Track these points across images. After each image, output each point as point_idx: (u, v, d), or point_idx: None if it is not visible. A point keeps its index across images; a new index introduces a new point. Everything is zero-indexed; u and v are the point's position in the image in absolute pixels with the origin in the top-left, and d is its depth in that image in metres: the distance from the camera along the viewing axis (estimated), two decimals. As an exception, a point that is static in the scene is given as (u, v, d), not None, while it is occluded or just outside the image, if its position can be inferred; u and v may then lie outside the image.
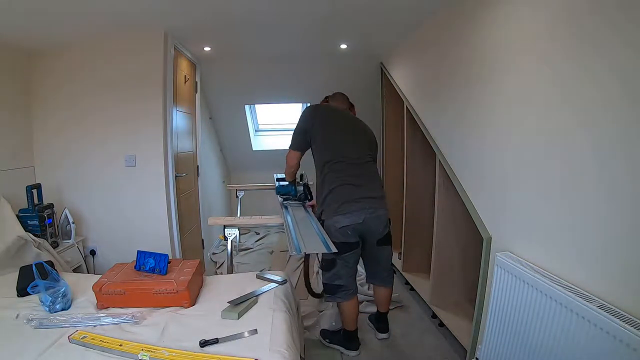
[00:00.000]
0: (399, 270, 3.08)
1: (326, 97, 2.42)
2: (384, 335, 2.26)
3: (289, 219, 2.11)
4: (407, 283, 2.94)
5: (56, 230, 2.36)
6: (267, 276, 1.86)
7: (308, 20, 2.39)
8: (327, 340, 2.21)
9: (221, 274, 3.14)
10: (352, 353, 2.10)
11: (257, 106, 4.47)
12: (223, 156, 4.70)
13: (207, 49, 2.95)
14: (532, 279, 1.31)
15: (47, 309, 1.54)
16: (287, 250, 3.70)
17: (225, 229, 2.23)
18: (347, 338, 2.12)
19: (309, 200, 2.38)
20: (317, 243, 1.73)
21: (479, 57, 1.76)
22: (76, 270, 2.38)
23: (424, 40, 2.44)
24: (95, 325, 1.43)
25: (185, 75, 3.02)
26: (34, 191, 2.27)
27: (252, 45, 2.92)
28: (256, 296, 1.65)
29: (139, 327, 1.44)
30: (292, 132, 2.16)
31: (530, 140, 1.43)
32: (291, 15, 2.27)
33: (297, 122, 2.13)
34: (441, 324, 2.31)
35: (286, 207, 2.36)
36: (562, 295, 1.17)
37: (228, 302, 1.56)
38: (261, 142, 4.72)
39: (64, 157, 2.56)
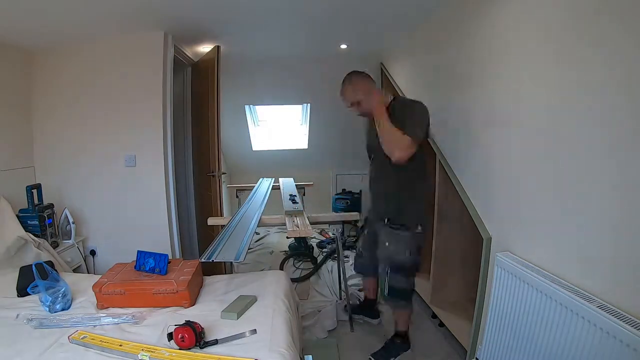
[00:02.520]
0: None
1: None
2: (376, 321, 2.41)
3: (233, 221, 2.15)
4: (407, 283, 2.93)
5: (56, 230, 2.36)
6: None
7: (308, 21, 2.39)
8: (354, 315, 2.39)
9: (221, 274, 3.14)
10: (375, 321, 2.38)
11: (257, 106, 4.47)
12: (223, 156, 4.70)
13: (207, 49, 2.95)
14: (533, 279, 1.31)
15: (47, 309, 1.54)
16: (287, 251, 3.75)
17: (225, 229, 2.23)
18: (370, 306, 2.39)
19: None
20: (232, 252, 1.69)
21: (479, 56, 1.75)
22: (76, 270, 2.38)
23: (424, 40, 2.44)
24: (95, 325, 1.44)
25: (185, 75, 3.02)
26: (34, 191, 2.27)
27: (252, 46, 2.91)
28: (255, 296, 1.65)
29: (139, 327, 1.44)
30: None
31: (530, 140, 1.43)
32: (291, 15, 2.27)
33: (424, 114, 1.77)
34: (441, 324, 2.31)
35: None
36: (562, 295, 1.17)
37: (227, 303, 1.56)
38: (261, 142, 4.71)
39: (64, 157, 2.56)
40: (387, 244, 1.90)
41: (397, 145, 1.67)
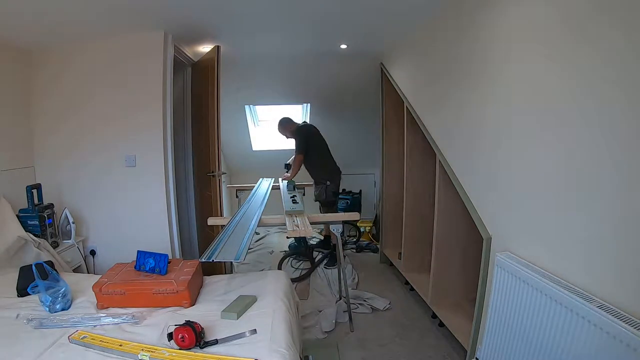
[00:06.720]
0: (399, 270, 3.08)
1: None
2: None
3: (233, 221, 2.16)
4: (407, 283, 2.94)
5: (56, 231, 2.36)
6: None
7: (308, 21, 2.39)
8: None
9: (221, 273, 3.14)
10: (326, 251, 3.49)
11: (257, 106, 4.47)
12: (223, 156, 4.70)
13: (207, 49, 2.95)
14: (532, 279, 1.31)
15: (47, 309, 1.54)
16: (287, 250, 3.75)
17: (226, 229, 2.23)
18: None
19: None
20: (232, 252, 1.70)
21: (479, 56, 1.75)
22: (76, 270, 2.38)
23: (424, 40, 2.44)
24: (95, 325, 1.44)
25: (185, 75, 3.02)
26: (34, 191, 2.27)
27: (252, 46, 2.91)
28: (255, 296, 1.65)
29: (139, 327, 1.44)
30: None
31: (530, 139, 1.43)
32: (291, 15, 2.27)
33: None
34: (441, 324, 2.31)
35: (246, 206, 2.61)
36: (562, 295, 1.17)
37: (227, 303, 1.56)
38: (261, 142, 4.71)
39: (64, 157, 2.56)
40: (315, 192, 3.53)
41: (295, 161, 3.45)
